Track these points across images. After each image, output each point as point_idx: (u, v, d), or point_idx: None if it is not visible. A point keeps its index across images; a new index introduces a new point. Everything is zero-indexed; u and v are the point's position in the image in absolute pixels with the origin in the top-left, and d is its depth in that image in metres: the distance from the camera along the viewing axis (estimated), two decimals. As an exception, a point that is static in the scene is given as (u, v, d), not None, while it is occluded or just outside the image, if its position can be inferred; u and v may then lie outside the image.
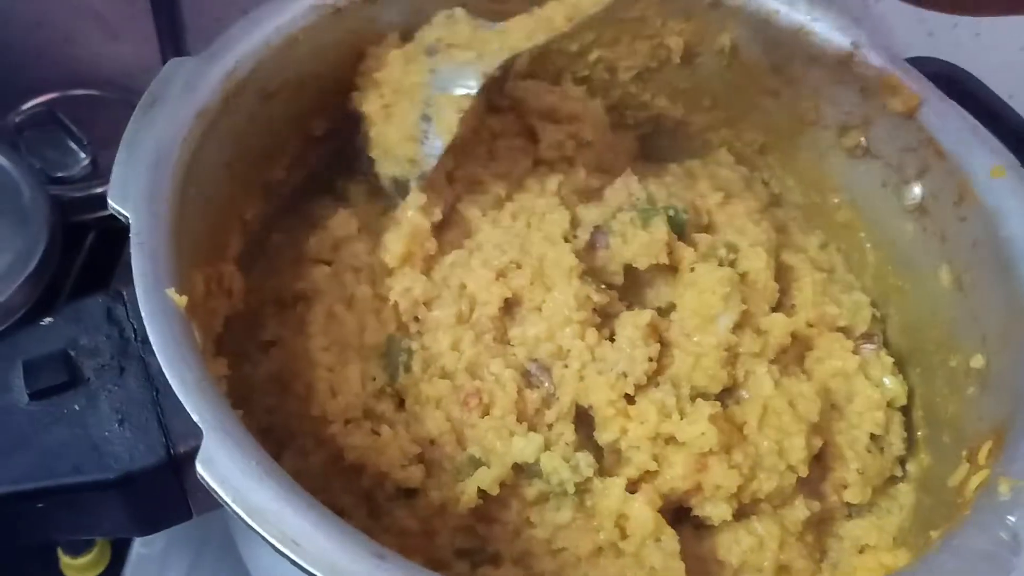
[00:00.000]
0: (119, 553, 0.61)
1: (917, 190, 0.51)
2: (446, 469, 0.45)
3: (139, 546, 0.60)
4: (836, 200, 0.57)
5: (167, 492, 0.38)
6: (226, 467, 0.33)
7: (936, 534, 0.36)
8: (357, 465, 0.45)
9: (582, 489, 0.45)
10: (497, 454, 0.44)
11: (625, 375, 0.47)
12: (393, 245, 0.50)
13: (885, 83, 0.52)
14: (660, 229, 0.51)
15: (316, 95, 0.55)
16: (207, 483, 0.33)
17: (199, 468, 0.33)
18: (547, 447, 0.45)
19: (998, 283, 0.45)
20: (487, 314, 0.49)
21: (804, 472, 0.46)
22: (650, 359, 0.48)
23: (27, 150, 0.74)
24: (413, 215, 0.51)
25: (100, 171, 0.74)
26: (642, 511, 0.43)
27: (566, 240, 0.52)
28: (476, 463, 0.44)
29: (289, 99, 0.53)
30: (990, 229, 0.46)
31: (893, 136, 0.52)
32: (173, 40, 0.79)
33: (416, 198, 0.51)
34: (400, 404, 0.48)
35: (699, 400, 0.47)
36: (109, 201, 0.40)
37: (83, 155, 0.75)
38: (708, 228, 0.56)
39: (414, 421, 0.46)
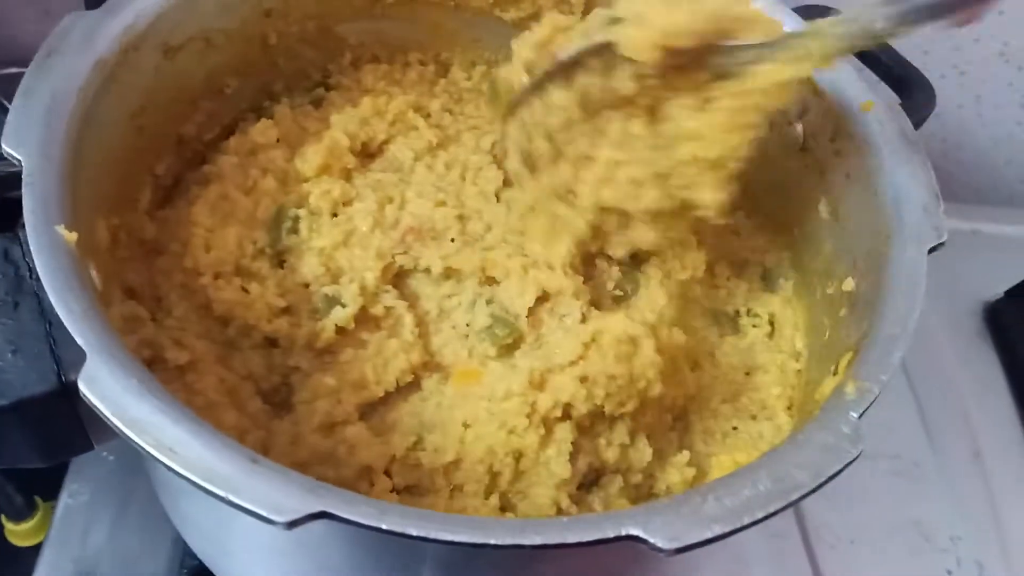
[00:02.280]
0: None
1: (799, 129, 0.54)
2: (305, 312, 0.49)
3: (66, 497, 0.61)
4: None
5: (63, 420, 0.39)
6: (107, 385, 0.35)
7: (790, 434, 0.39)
8: (225, 317, 0.48)
9: None
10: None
11: None
12: (311, 155, 0.53)
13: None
14: None
15: (225, 52, 0.57)
16: (89, 400, 0.34)
17: (81, 386, 0.34)
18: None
19: (866, 210, 0.48)
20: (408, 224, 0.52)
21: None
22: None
23: (-39, 128, 0.75)
24: (336, 133, 0.53)
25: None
26: None
27: (497, 198, 0.54)
28: (332, 301, 0.49)
29: (196, 55, 0.55)
30: (859, 160, 0.49)
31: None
32: (99, 12, 0.80)
33: (342, 120, 0.54)
34: (279, 264, 0.52)
35: None
36: (3, 146, 0.41)
37: (17, 131, 0.75)
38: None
39: (290, 273, 0.50)
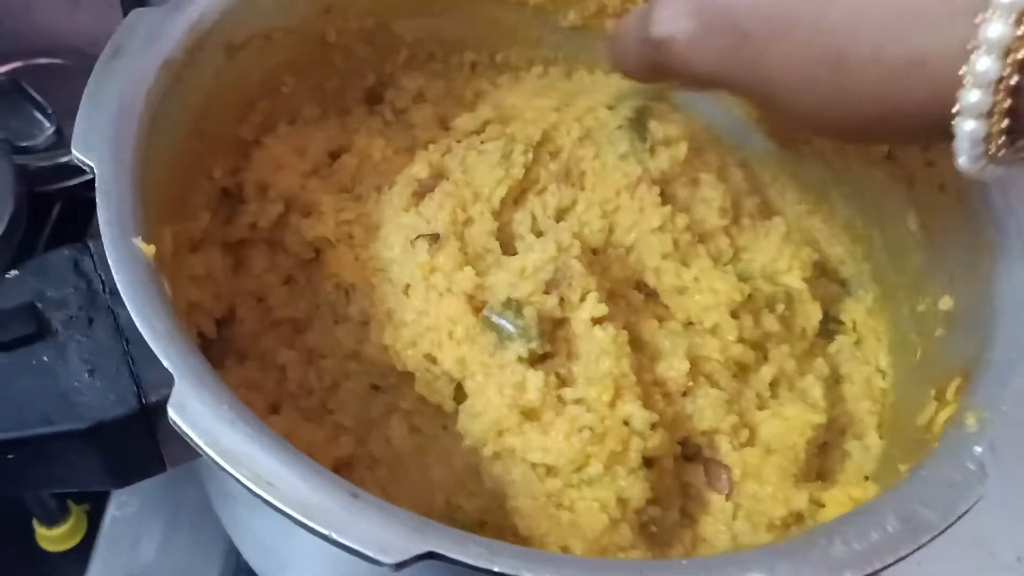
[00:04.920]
0: (95, 523, 0.61)
1: (886, 137, 0.52)
2: None
3: (114, 509, 0.59)
4: (806, 150, 0.57)
5: (139, 442, 0.37)
6: (198, 412, 0.33)
7: (905, 467, 0.37)
8: None
9: None
10: None
11: None
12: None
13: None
14: None
15: (285, 50, 0.55)
16: (180, 428, 0.32)
17: (171, 413, 0.32)
18: None
19: (963, 224, 0.46)
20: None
21: None
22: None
23: (-10, 120, 0.73)
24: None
25: (65, 140, 0.72)
26: None
27: None
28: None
29: (257, 53, 0.53)
30: (956, 170, 0.47)
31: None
32: (135, 6, 0.77)
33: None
34: None
35: None
36: (73, 151, 0.40)
37: (48, 124, 0.73)
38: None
39: None
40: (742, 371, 0.49)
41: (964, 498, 0.33)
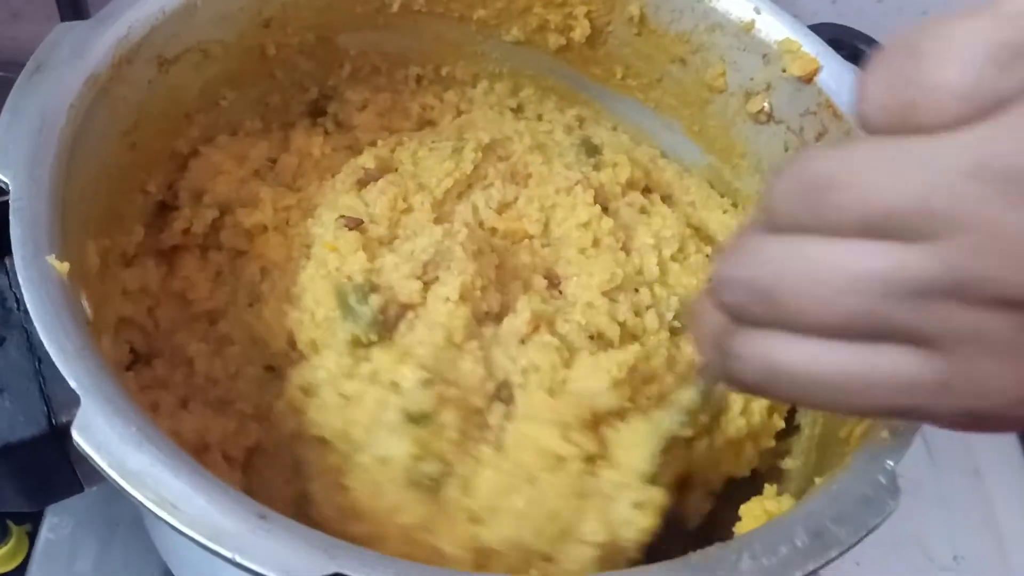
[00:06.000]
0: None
1: (815, 152, 0.52)
2: None
3: (47, 531, 0.58)
4: (744, 165, 0.58)
5: (52, 463, 0.37)
6: (103, 433, 0.32)
7: (820, 481, 0.37)
8: None
9: None
10: None
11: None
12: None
13: (785, 49, 0.52)
14: None
15: (222, 64, 0.54)
16: (83, 449, 0.32)
17: (75, 435, 0.32)
18: None
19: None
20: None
21: None
22: None
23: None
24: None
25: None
26: None
27: None
28: None
29: (192, 67, 0.52)
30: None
31: (794, 100, 0.53)
32: (75, 18, 0.77)
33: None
34: None
35: None
36: (-12, 167, 0.39)
37: (-18, 137, 0.72)
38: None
39: None
40: (599, 338, 0.48)
41: (874, 513, 0.34)
